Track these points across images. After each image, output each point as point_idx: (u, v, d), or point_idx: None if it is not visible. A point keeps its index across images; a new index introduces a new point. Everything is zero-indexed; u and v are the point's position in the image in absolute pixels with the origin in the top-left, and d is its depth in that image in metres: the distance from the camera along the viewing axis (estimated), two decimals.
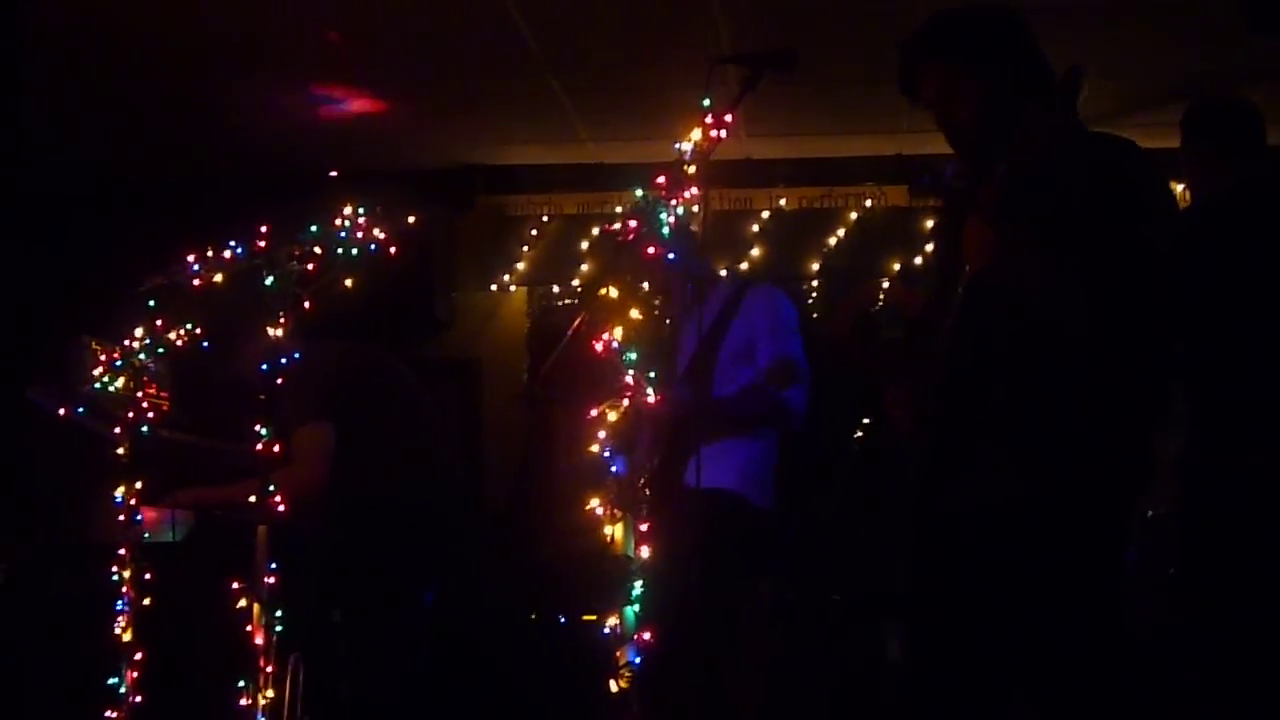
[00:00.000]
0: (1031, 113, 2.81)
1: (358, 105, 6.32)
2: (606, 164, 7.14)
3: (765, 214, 7.24)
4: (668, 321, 4.44)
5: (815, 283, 7.23)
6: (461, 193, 7.34)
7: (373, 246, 3.43)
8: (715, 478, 3.26)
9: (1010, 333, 2.87)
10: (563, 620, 4.90)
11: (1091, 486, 2.82)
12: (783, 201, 7.25)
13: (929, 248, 7.02)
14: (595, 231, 7.16)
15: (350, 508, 4.32)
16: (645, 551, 2.47)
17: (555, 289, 7.39)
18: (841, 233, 7.21)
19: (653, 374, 2.49)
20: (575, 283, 7.21)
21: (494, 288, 7.42)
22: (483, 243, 7.42)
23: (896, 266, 7.08)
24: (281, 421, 3.42)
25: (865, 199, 7.20)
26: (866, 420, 6.19)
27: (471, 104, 6.40)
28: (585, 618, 4.47)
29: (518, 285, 7.40)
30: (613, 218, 7.05)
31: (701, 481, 3.07)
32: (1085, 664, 2.81)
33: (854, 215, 7.21)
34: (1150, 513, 4.81)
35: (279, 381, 3.34)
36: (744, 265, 7.13)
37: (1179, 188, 6.69)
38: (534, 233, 7.36)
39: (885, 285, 6.74)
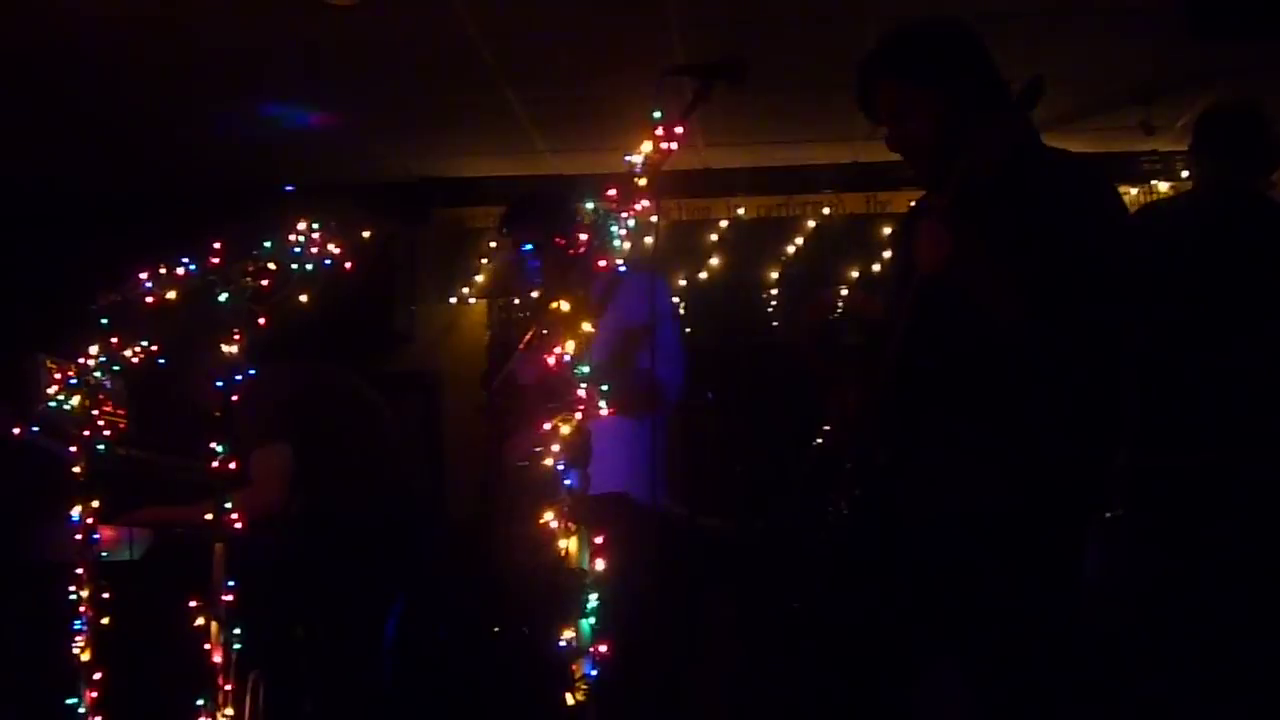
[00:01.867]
0: (981, 120, 2.84)
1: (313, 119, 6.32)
2: (565, 175, 7.15)
3: (724, 223, 7.28)
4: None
5: (775, 291, 7.27)
6: (420, 206, 7.35)
7: (328, 261, 3.42)
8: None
9: (962, 334, 2.89)
10: (525, 632, 4.89)
11: (1043, 489, 2.83)
12: (741, 211, 7.28)
13: (887, 255, 7.06)
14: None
15: (312, 524, 4.32)
16: (600, 564, 2.48)
17: (515, 300, 7.38)
18: (800, 241, 7.25)
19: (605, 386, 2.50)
20: (535, 294, 7.20)
21: (453, 300, 7.41)
22: (441, 255, 7.42)
23: (855, 273, 7.12)
24: (238, 441, 3.41)
25: (823, 207, 7.23)
26: (826, 426, 6.21)
27: (428, 117, 6.40)
28: (547, 629, 4.44)
29: (477, 298, 7.40)
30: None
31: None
32: (1043, 665, 2.82)
33: (812, 223, 7.25)
34: (1108, 514, 4.84)
35: (234, 400, 3.32)
36: (703, 274, 7.15)
37: (1134, 191, 6.81)
38: (493, 245, 7.36)
39: (844, 292, 6.77)
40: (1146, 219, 4.36)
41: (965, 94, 2.96)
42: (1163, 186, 6.87)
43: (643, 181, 2.58)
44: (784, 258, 7.25)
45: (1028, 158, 2.92)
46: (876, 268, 7.07)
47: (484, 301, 7.43)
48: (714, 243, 7.25)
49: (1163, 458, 4.05)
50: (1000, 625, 2.84)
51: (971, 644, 2.92)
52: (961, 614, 2.90)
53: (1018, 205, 2.84)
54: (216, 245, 3.37)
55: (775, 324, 7.27)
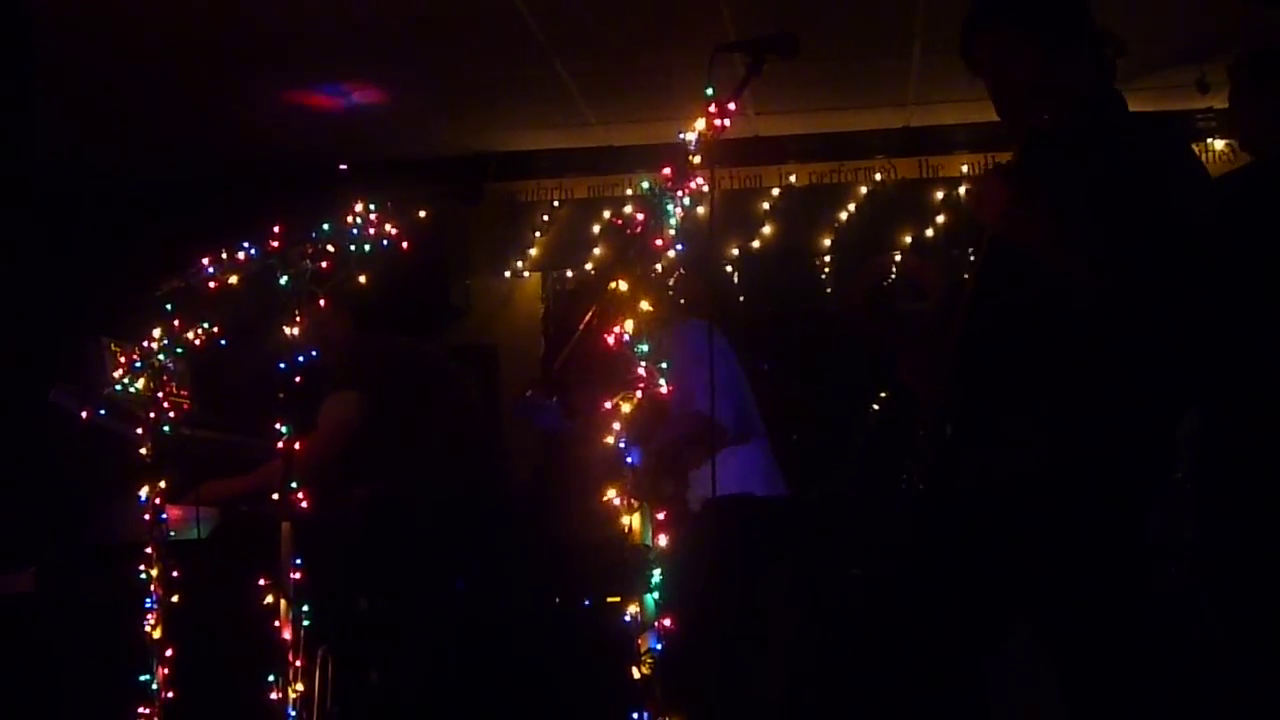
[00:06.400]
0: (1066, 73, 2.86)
1: (365, 96, 6.35)
2: (615, 146, 7.16)
3: (775, 191, 7.26)
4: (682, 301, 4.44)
5: (827, 258, 7.26)
6: (473, 180, 7.38)
7: (385, 242, 3.45)
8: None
9: (1029, 299, 2.87)
10: (587, 603, 4.93)
11: (1104, 452, 2.82)
12: (793, 178, 7.26)
13: (940, 219, 7.04)
14: (606, 214, 7.19)
15: (386, 497, 4.37)
16: (663, 540, 2.51)
17: (569, 274, 7.43)
18: (852, 207, 7.22)
19: (664, 364, 2.51)
20: (588, 267, 7.24)
21: (507, 274, 7.45)
22: (495, 229, 7.46)
23: (908, 239, 7.09)
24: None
25: (875, 173, 7.21)
26: (883, 394, 6.21)
27: (479, 92, 6.41)
28: (609, 599, 4.50)
29: (531, 271, 7.44)
30: (622, 202, 7.09)
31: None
32: (1113, 626, 2.82)
33: (864, 189, 7.22)
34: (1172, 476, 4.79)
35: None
36: (755, 243, 7.15)
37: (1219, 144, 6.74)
38: (546, 218, 7.39)
39: (897, 258, 6.75)
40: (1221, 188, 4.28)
41: (1064, 48, 2.95)
42: (1218, 144, 6.80)
43: (696, 159, 2.58)
44: (836, 224, 7.22)
45: (1105, 115, 2.91)
46: (930, 233, 7.04)
47: (538, 275, 7.47)
48: (766, 211, 7.24)
49: (1234, 421, 4.01)
50: (1069, 593, 2.84)
51: (1042, 613, 2.93)
52: (1032, 583, 2.91)
53: (1091, 164, 2.82)
54: (275, 229, 3.41)
55: (829, 291, 7.27)
